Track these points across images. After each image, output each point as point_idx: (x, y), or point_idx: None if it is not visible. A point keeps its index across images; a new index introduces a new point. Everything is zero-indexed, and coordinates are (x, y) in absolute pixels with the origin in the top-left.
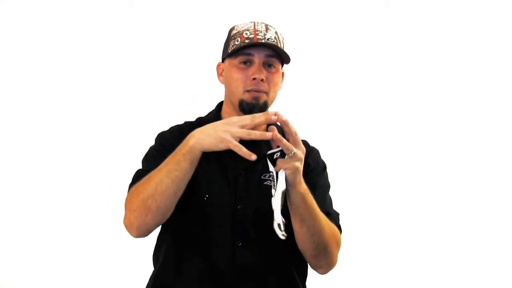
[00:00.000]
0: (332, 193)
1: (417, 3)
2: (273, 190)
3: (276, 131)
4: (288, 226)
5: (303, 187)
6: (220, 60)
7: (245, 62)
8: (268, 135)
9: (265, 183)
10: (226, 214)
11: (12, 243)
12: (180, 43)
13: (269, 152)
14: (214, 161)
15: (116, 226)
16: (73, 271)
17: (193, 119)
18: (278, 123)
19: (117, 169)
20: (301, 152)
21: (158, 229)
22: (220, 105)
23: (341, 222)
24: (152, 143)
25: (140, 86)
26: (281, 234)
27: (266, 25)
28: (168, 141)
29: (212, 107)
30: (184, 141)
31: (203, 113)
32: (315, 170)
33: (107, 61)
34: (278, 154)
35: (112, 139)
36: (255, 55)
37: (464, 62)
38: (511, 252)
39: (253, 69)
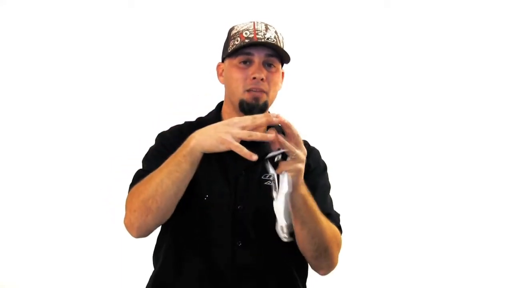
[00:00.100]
0: (332, 193)
1: (417, 3)
2: (274, 193)
3: (277, 133)
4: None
5: (304, 189)
6: (220, 60)
7: (245, 62)
8: (269, 136)
9: (265, 183)
10: (226, 214)
11: (12, 243)
12: (180, 43)
13: (270, 155)
14: (214, 162)
15: (116, 226)
16: (73, 271)
17: (193, 119)
18: (279, 125)
19: (117, 169)
20: (303, 154)
21: (158, 229)
22: (220, 105)
23: (341, 223)
24: (152, 143)
25: (140, 86)
26: (283, 236)
27: (266, 25)
28: (168, 141)
29: (212, 107)
30: (185, 142)
31: (203, 113)
32: (315, 171)
33: (107, 61)
34: (280, 156)
35: (112, 139)
36: (255, 54)
37: (464, 62)
38: (511, 252)
39: (253, 68)
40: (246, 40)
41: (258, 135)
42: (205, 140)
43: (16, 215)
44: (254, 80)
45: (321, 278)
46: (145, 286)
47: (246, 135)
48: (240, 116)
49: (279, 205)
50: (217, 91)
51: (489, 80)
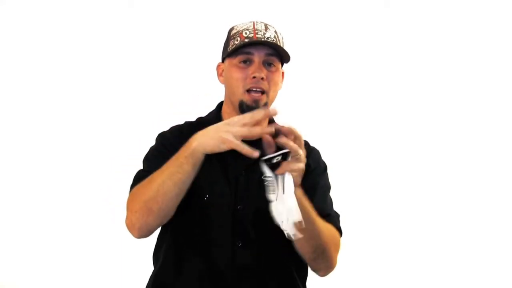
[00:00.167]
0: (332, 193)
1: (417, 3)
2: (272, 195)
3: (279, 132)
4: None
5: (300, 191)
6: (220, 61)
7: (245, 61)
8: (268, 130)
9: (265, 183)
10: (226, 214)
11: (12, 243)
12: (180, 43)
13: (268, 156)
14: (215, 162)
15: (116, 226)
16: (73, 271)
17: (193, 119)
18: (276, 120)
19: (117, 169)
20: (303, 155)
21: (158, 229)
22: (220, 105)
23: (341, 223)
24: (152, 143)
25: (140, 86)
26: (293, 234)
27: (266, 25)
28: (169, 141)
29: (212, 107)
30: (187, 144)
31: (203, 113)
32: (315, 171)
33: (107, 61)
34: (279, 157)
35: (112, 139)
36: (254, 54)
37: (464, 62)
38: (511, 252)
39: (253, 68)
40: (246, 40)
41: (257, 130)
42: (206, 141)
43: (16, 215)
44: (254, 79)
45: (321, 278)
46: (145, 286)
47: (246, 131)
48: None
49: (279, 207)
50: (217, 91)
51: (489, 80)
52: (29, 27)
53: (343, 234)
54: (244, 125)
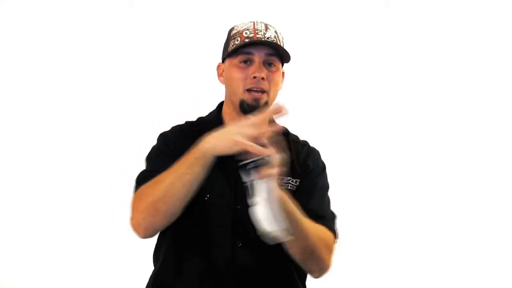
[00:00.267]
0: (331, 194)
1: (417, 3)
2: (249, 200)
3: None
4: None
5: (281, 193)
6: (220, 61)
7: (245, 61)
8: (278, 127)
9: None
10: (226, 214)
11: (12, 243)
12: (180, 43)
13: (243, 162)
14: (216, 162)
15: (116, 226)
16: (73, 271)
17: (193, 119)
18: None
19: (117, 169)
20: (277, 159)
21: None
22: (220, 105)
23: (340, 223)
24: (152, 143)
25: (140, 86)
26: (269, 239)
27: (266, 25)
28: (171, 141)
29: (212, 107)
30: (197, 146)
31: (203, 113)
32: (314, 171)
33: (107, 61)
34: (254, 163)
35: (112, 139)
36: (255, 53)
37: (464, 62)
38: (511, 252)
39: (253, 68)
40: (246, 40)
41: (268, 130)
42: (218, 143)
43: (16, 215)
44: (254, 80)
45: (321, 278)
46: (145, 286)
47: (257, 133)
48: (240, 116)
49: (261, 211)
50: (217, 91)
51: (489, 80)
52: (29, 27)
53: (342, 234)
54: (255, 126)
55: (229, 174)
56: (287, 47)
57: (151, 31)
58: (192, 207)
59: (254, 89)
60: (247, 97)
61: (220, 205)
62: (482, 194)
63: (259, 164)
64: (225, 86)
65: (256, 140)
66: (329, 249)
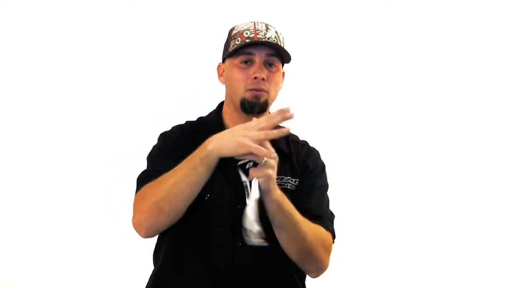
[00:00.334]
0: (331, 194)
1: (417, 3)
2: (247, 200)
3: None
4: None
5: (278, 193)
6: (221, 61)
7: (246, 62)
8: (285, 131)
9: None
10: (226, 214)
11: (12, 243)
12: (180, 43)
13: (240, 162)
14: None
15: (116, 226)
16: (73, 271)
17: (193, 119)
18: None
19: (117, 169)
20: (273, 160)
21: None
22: (221, 105)
23: (339, 223)
24: (153, 143)
25: (140, 86)
26: (248, 240)
27: (266, 25)
28: (171, 140)
29: (212, 107)
30: (202, 146)
31: (203, 113)
32: (313, 171)
33: (107, 61)
34: (251, 163)
35: (112, 139)
36: (256, 54)
37: (464, 62)
38: (511, 252)
39: (254, 68)
40: (247, 40)
41: (274, 133)
42: (223, 144)
43: (16, 215)
44: (255, 80)
45: (321, 278)
46: (145, 285)
47: (263, 135)
48: (240, 116)
49: (249, 211)
50: (217, 91)
51: (489, 80)
52: (29, 27)
53: (341, 233)
54: (261, 129)
55: (229, 174)
56: (287, 47)
57: (151, 31)
58: (192, 207)
59: (255, 90)
60: (248, 95)
61: (220, 205)
62: (482, 194)
63: (251, 165)
64: (226, 86)
65: (260, 142)
66: (327, 249)
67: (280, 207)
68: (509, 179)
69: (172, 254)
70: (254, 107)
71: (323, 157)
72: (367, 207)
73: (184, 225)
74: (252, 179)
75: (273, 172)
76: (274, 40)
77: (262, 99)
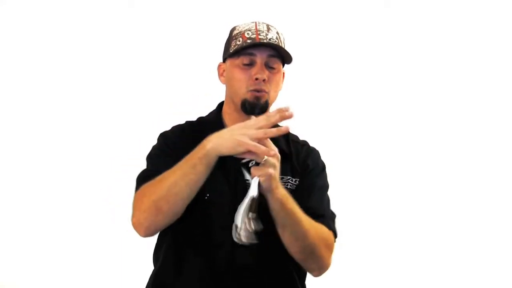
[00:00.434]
0: (331, 193)
1: (417, 3)
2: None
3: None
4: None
5: (281, 192)
6: (221, 60)
7: (247, 62)
8: (283, 129)
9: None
10: (226, 214)
11: (12, 243)
12: (180, 43)
13: (244, 160)
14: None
15: (116, 226)
16: (73, 271)
17: (193, 119)
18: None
19: (117, 169)
20: (274, 159)
21: None
22: (221, 105)
23: (340, 223)
24: (153, 143)
25: (140, 86)
26: (234, 237)
27: (268, 25)
28: (171, 140)
29: (212, 107)
30: (200, 145)
31: (203, 113)
32: (313, 171)
33: (107, 61)
34: (253, 162)
35: (112, 139)
36: (257, 55)
37: (464, 62)
38: (511, 252)
39: (255, 69)
40: (248, 41)
41: (273, 131)
42: (222, 143)
43: (16, 215)
44: (256, 81)
45: (321, 278)
46: (145, 285)
47: (262, 134)
48: (241, 116)
49: (241, 207)
50: (217, 91)
51: (489, 80)
52: (29, 27)
53: (342, 233)
54: (260, 127)
55: (228, 172)
56: (288, 47)
57: (151, 31)
58: (192, 206)
59: (256, 90)
60: (249, 95)
61: (220, 204)
62: (482, 194)
63: (254, 163)
64: (226, 86)
65: (259, 141)
66: (329, 248)
67: (283, 206)
68: (509, 179)
69: (172, 254)
70: (254, 107)
71: (323, 157)
72: (367, 207)
73: (184, 225)
74: (253, 178)
75: (274, 171)
76: (276, 41)
77: (263, 100)
